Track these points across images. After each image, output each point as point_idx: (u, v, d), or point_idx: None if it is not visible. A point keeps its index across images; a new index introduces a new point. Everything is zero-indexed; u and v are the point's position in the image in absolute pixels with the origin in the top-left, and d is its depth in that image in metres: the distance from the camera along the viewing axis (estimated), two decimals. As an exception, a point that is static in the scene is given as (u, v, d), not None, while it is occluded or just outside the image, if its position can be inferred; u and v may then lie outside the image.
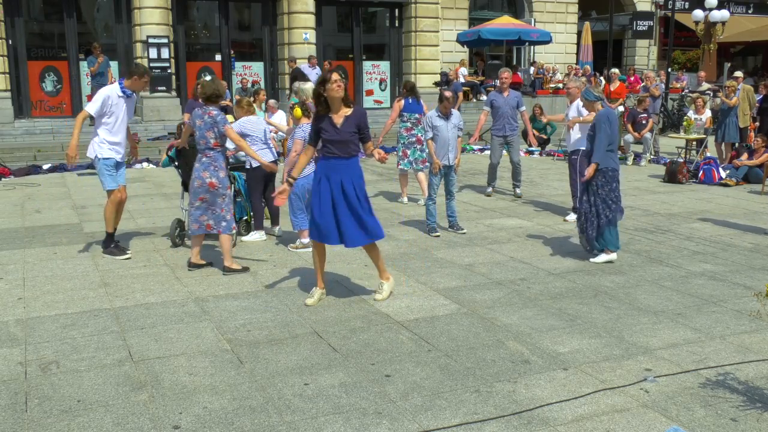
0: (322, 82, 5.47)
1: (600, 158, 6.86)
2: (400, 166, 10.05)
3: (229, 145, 8.24)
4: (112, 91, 7.01)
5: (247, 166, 7.92)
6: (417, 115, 9.85)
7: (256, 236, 7.89)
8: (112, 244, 7.21)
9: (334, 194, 5.53)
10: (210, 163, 6.55)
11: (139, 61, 17.98)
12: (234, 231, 6.74)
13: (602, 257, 7.02)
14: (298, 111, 7.39)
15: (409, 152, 9.85)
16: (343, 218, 5.54)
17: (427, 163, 9.91)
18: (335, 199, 5.53)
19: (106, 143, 7.01)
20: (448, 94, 8.12)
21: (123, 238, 8.01)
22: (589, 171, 6.91)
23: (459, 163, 8.30)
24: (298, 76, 17.99)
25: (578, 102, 8.52)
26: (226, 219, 6.61)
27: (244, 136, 7.41)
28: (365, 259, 7.11)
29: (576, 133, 8.69)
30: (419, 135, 9.82)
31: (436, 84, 20.04)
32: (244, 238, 7.80)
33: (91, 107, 6.93)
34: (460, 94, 17.86)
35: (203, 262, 6.78)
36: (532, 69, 23.55)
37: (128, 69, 7.34)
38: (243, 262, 6.94)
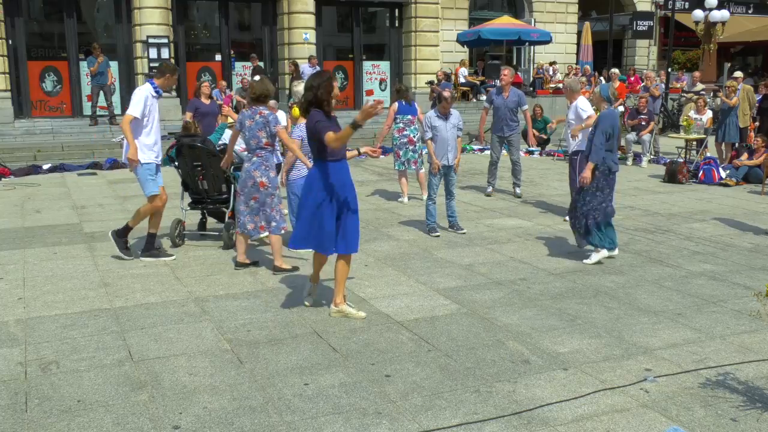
0: (329, 80, 5.21)
1: (597, 158, 6.83)
2: (396, 167, 10.19)
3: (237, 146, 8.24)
4: (147, 91, 6.81)
5: None
6: (409, 117, 10.06)
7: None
8: (154, 247, 7.08)
9: (340, 199, 5.24)
10: (261, 163, 6.58)
11: (138, 61, 18.01)
12: (283, 231, 6.72)
13: (594, 257, 6.98)
14: (296, 110, 7.38)
15: (401, 152, 9.99)
16: (345, 222, 5.28)
17: (419, 164, 10.03)
18: (340, 205, 5.25)
19: (145, 147, 6.82)
20: (446, 94, 8.13)
21: (123, 238, 8.02)
22: (586, 173, 6.87)
23: (459, 164, 8.28)
24: (260, 74, 17.89)
25: (576, 103, 8.54)
26: (276, 219, 6.64)
27: None
28: (365, 258, 7.12)
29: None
30: (411, 135, 9.94)
31: (429, 83, 20.08)
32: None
33: (135, 110, 6.70)
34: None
35: (248, 262, 6.82)
36: (551, 69, 23.37)
37: (158, 68, 7.14)
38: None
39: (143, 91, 6.80)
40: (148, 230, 7.15)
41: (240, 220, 6.68)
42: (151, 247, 7.12)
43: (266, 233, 6.73)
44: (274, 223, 6.62)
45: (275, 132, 6.54)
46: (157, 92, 6.91)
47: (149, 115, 6.82)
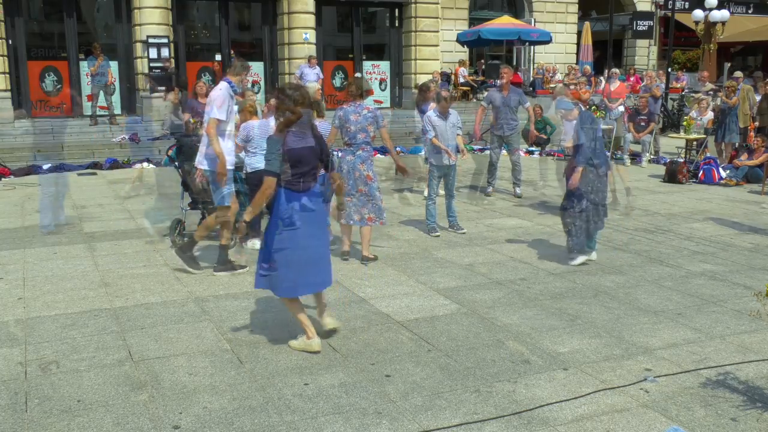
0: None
1: (584, 161, 6.71)
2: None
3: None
4: (227, 90, 6.21)
5: (247, 170, 7.41)
6: None
7: (258, 243, 7.63)
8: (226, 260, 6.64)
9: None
10: (367, 157, 6.91)
11: (138, 61, 17.98)
12: (380, 224, 7.11)
13: (580, 259, 6.91)
14: None
15: (425, 149, 10.66)
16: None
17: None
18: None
19: (225, 152, 6.28)
20: (445, 94, 8.19)
21: (123, 237, 8.03)
22: (575, 177, 6.74)
23: (466, 154, 8.55)
24: (173, 78, 17.78)
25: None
26: (383, 209, 7.00)
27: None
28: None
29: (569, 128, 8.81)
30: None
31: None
32: (244, 245, 7.63)
33: (220, 113, 6.12)
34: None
35: (373, 256, 7.05)
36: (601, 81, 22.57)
37: (233, 64, 6.49)
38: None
39: (225, 91, 6.19)
40: (220, 242, 6.75)
41: (347, 212, 6.88)
42: (223, 260, 6.73)
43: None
44: (384, 214, 7.01)
45: (383, 126, 7.02)
46: (235, 91, 6.36)
47: (230, 115, 6.28)
